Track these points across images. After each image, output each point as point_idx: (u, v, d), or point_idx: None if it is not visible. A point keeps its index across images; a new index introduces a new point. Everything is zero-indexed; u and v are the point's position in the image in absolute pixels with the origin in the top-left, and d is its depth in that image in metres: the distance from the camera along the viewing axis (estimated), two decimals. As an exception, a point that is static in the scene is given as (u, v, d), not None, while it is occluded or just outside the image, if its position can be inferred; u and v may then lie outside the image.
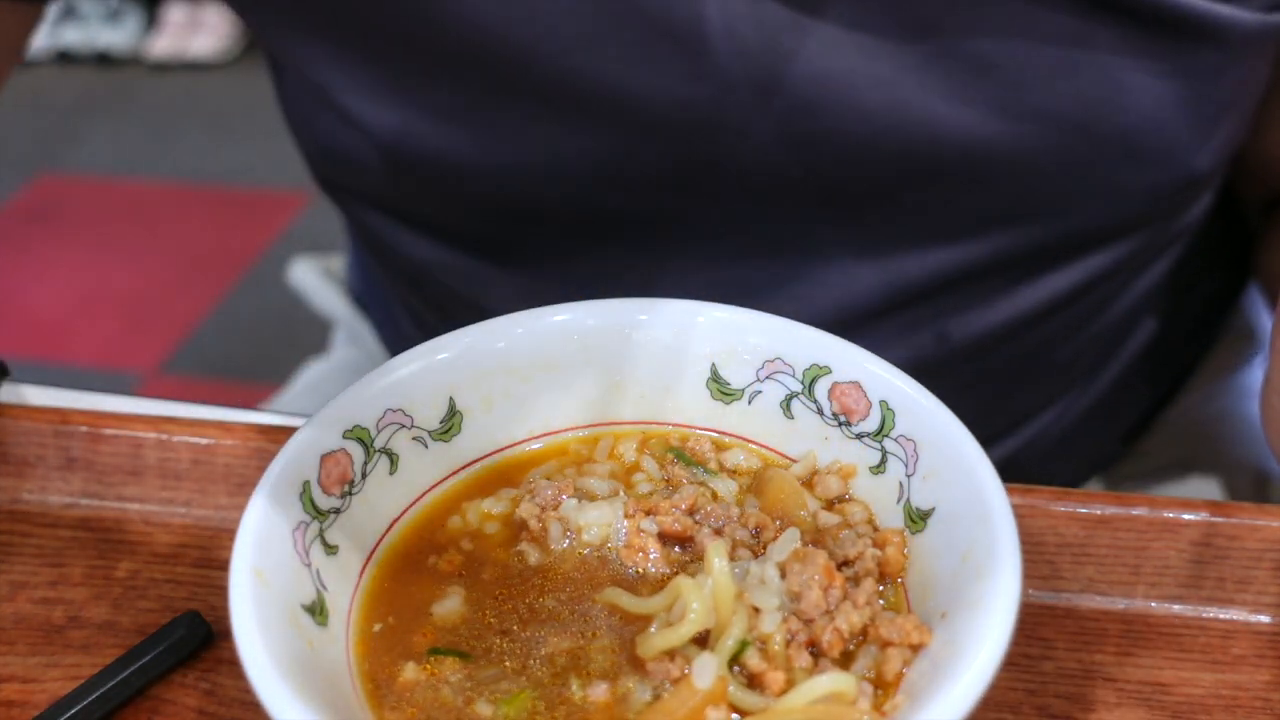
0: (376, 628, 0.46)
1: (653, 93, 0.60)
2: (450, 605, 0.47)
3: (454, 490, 0.52)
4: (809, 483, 0.51)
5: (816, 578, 0.45)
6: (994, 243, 0.65)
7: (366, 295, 0.98)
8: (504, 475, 0.52)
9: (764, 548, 0.48)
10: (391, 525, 0.50)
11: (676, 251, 0.69)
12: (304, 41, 0.65)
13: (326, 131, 0.70)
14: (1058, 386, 0.78)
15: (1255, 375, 0.93)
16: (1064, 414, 0.80)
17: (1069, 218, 0.65)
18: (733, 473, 0.52)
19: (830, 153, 0.62)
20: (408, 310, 0.84)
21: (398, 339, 0.90)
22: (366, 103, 0.65)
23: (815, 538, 0.48)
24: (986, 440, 0.76)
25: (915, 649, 0.43)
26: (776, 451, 0.53)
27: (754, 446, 0.53)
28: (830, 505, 0.50)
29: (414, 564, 0.49)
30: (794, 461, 0.52)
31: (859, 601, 0.45)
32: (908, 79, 0.59)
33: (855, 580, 0.46)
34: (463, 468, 0.52)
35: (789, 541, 0.47)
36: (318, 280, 1.02)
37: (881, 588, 0.47)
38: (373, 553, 0.49)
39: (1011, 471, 0.77)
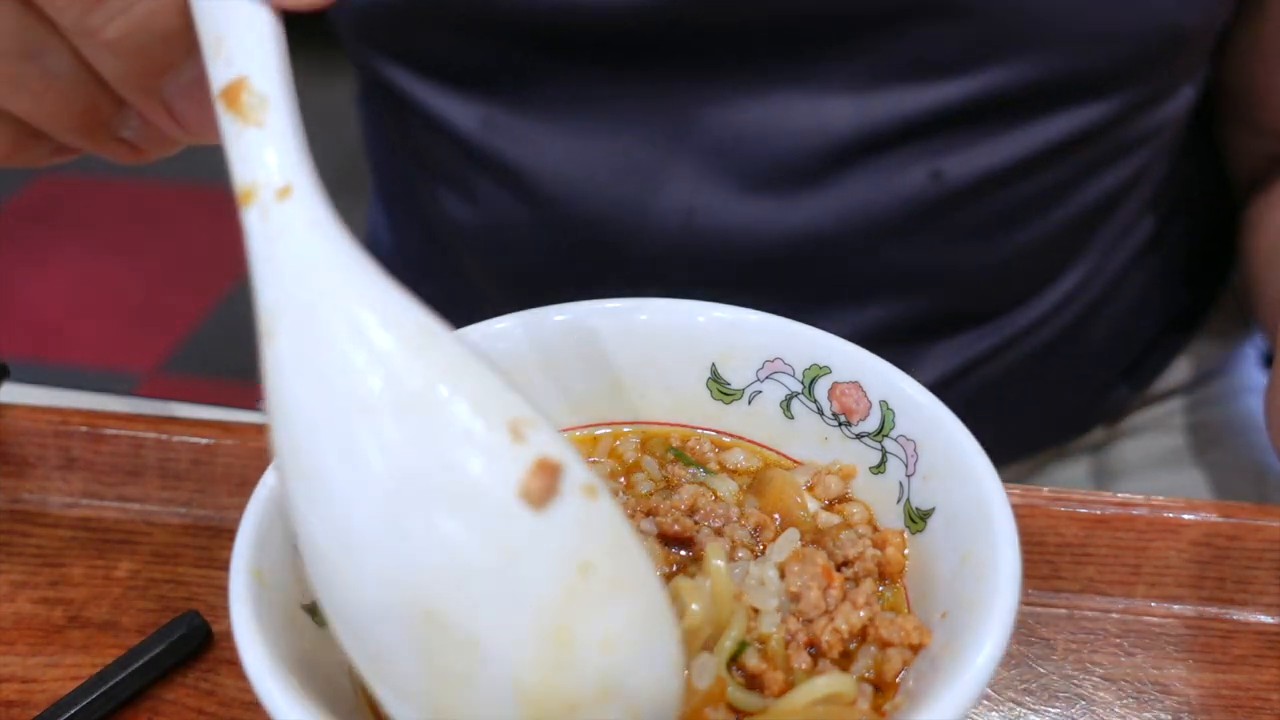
0: None
1: None
2: None
3: None
4: (810, 485, 0.51)
5: (815, 578, 0.45)
6: (986, 79, 0.68)
7: (390, 242, 0.98)
8: None
9: (764, 548, 0.48)
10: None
11: (684, 90, 0.71)
12: None
13: None
14: (1057, 257, 0.79)
15: (1254, 372, 0.93)
16: (1066, 303, 0.81)
17: (1056, 57, 0.68)
18: (733, 473, 0.52)
19: None
20: (439, 210, 0.85)
21: (430, 274, 0.90)
22: None
23: (815, 538, 0.48)
24: (989, 314, 0.79)
25: (915, 649, 0.43)
26: (777, 451, 0.53)
27: (754, 446, 0.53)
28: (830, 505, 0.50)
29: None
30: (795, 462, 0.52)
31: (858, 602, 0.45)
32: None
33: (855, 580, 0.46)
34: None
35: (789, 542, 0.47)
36: None
37: (881, 588, 0.47)
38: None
39: (1014, 376, 0.81)
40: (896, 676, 0.43)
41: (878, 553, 0.47)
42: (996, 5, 0.66)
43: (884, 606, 0.46)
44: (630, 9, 0.67)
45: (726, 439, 0.53)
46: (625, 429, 0.54)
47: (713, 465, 0.52)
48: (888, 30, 0.67)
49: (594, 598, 0.34)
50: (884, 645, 0.44)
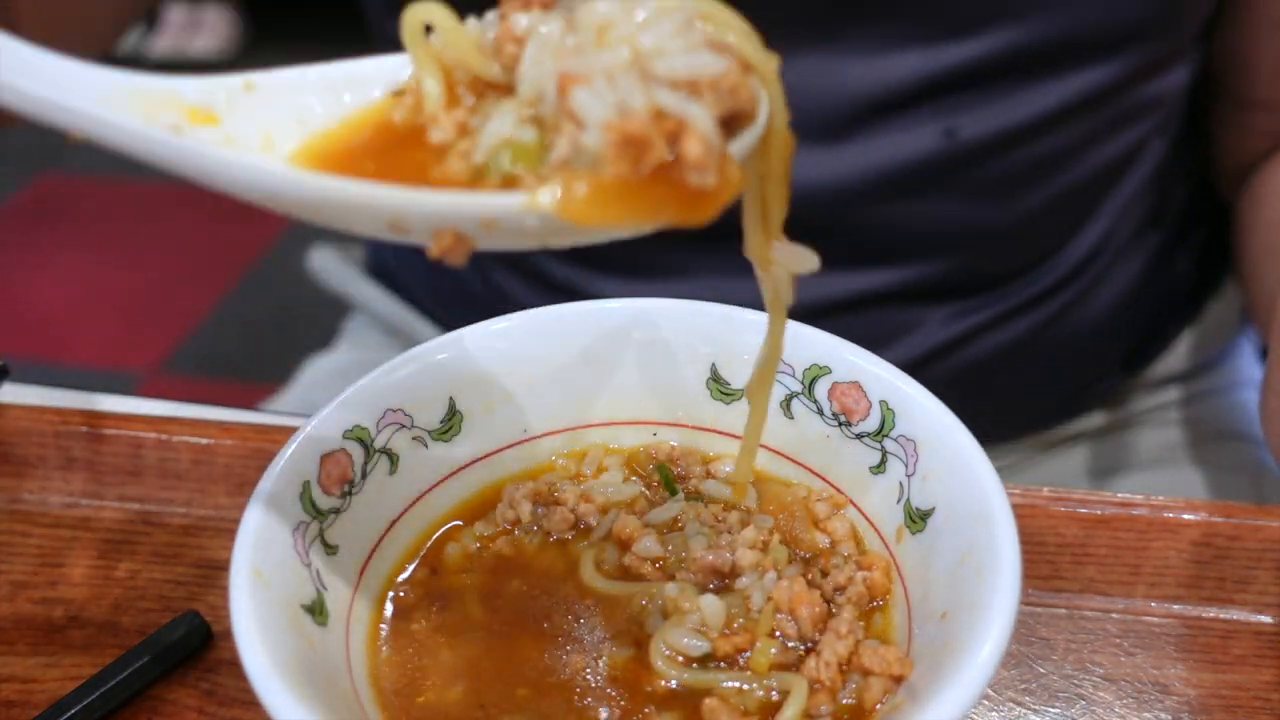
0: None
1: None
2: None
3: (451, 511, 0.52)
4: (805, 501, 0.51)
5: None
6: (998, 39, 0.71)
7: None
8: (497, 492, 0.53)
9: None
10: (390, 526, 0.50)
11: None
12: None
13: None
14: (1063, 225, 0.81)
15: (1251, 364, 0.93)
16: (1069, 279, 0.82)
17: (1065, 17, 0.71)
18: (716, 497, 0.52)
19: None
20: None
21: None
22: None
23: (809, 558, 0.49)
24: (997, 281, 0.81)
25: (897, 680, 0.43)
26: (777, 451, 0.53)
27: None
28: (817, 524, 0.50)
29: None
30: (795, 462, 0.52)
31: (841, 631, 0.45)
32: None
33: (839, 606, 0.46)
34: (462, 468, 0.52)
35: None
36: (338, 263, 1.03)
37: (873, 603, 0.47)
38: (372, 555, 0.49)
39: (1015, 349, 0.81)
40: (876, 705, 0.43)
41: (867, 574, 0.47)
42: None
43: (871, 633, 0.46)
44: None
45: (712, 453, 0.54)
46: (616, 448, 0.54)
47: (693, 485, 0.52)
48: None
49: None
50: (866, 674, 0.44)
